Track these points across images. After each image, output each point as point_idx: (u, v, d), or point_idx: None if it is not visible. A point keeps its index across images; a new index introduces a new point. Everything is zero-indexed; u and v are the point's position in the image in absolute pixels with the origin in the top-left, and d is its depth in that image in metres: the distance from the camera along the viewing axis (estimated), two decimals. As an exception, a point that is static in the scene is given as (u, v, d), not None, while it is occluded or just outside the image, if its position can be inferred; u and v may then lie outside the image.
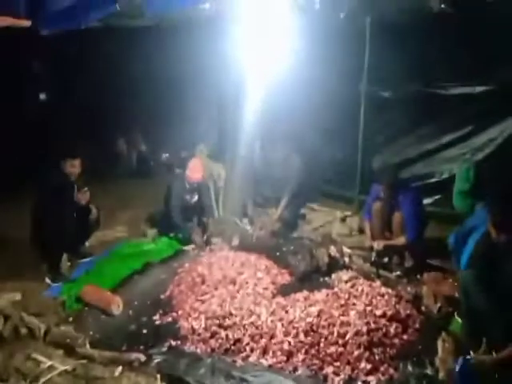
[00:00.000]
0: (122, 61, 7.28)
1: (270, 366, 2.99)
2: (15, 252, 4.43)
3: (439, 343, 3.09)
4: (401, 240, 4.22)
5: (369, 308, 3.43)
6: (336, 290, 3.79)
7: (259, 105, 5.46)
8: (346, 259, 4.39)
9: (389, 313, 3.39)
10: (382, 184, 4.31)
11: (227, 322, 3.37)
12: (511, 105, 4.82)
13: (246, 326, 3.30)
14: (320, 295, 3.68)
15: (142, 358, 3.02)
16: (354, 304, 3.51)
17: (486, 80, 4.89)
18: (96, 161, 6.33)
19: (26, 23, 4.14)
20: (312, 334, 3.17)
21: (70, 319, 3.56)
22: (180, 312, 3.63)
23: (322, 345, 3.08)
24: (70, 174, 4.21)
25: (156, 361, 3.04)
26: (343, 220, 5.52)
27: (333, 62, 5.48)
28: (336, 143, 5.97)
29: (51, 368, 2.89)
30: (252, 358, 3.06)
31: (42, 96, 8.02)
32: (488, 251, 3.02)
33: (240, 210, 5.70)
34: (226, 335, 3.24)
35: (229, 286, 3.89)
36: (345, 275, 4.06)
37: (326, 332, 3.17)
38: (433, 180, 5.44)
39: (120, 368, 2.90)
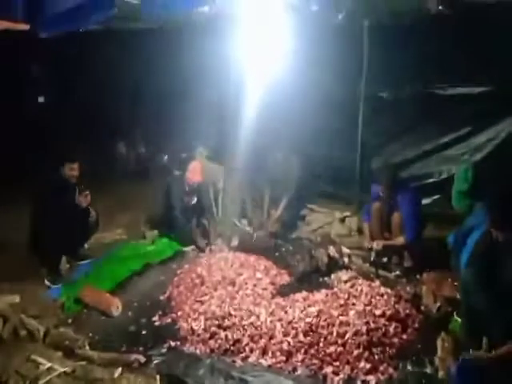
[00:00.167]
0: (122, 63, 7.29)
1: (269, 366, 2.99)
2: (14, 254, 4.42)
3: (438, 342, 3.10)
4: (400, 240, 4.24)
5: (368, 308, 3.44)
6: (335, 290, 3.80)
7: (258, 106, 5.47)
8: (346, 259, 4.39)
9: (388, 312, 3.40)
10: (380, 184, 4.32)
11: (226, 322, 3.37)
12: (509, 105, 4.83)
13: (246, 327, 3.30)
14: (319, 295, 3.68)
15: (142, 359, 3.02)
16: (353, 304, 3.52)
17: (484, 81, 4.90)
18: (95, 163, 6.34)
19: (24, 27, 4.15)
20: (311, 334, 3.17)
21: (70, 321, 3.56)
22: (179, 313, 3.64)
23: (321, 345, 3.09)
24: (69, 177, 4.25)
25: (155, 362, 3.04)
26: (342, 220, 5.53)
27: (332, 63, 5.48)
28: (335, 144, 5.97)
29: (50, 370, 2.89)
30: (251, 359, 3.07)
31: (41, 99, 8.04)
32: (488, 250, 3.02)
33: (239, 211, 5.71)
34: (226, 336, 3.24)
35: (228, 287, 3.89)
36: (344, 275, 4.07)
37: (325, 332, 3.17)
38: (431, 180, 5.44)
39: (119, 369, 2.89)
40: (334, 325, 3.22)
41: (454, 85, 5.12)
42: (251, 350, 3.12)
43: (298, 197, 5.55)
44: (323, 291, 3.77)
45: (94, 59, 7.30)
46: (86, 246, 4.73)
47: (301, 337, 3.14)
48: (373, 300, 3.58)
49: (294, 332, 3.18)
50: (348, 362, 2.96)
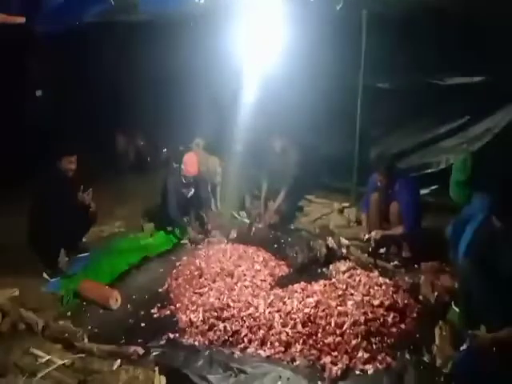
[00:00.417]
0: (119, 57, 7.25)
1: (268, 357, 3.00)
2: (13, 248, 4.41)
3: (436, 331, 3.10)
4: (398, 230, 4.23)
5: (366, 298, 3.44)
6: (334, 280, 3.80)
7: (256, 97, 5.45)
8: (344, 250, 4.39)
9: (386, 302, 3.40)
10: (378, 174, 4.30)
11: (225, 314, 3.38)
12: (508, 94, 4.80)
13: (244, 318, 3.31)
14: (318, 286, 3.69)
15: (141, 351, 3.02)
16: (351, 294, 3.52)
17: (482, 70, 4.87)
18: (94, 156, 6.31)
19: (20, 19, 4.13)
20: (310, 324, 3.18)
21: (69, 314, 3.58)
22: (178, 305, 3.65)
23: (319, 335, 3.09)
24: (67, 170, 4.24)
25: (154, 354, 3.05)
26: (341, 211, 5.53)
27: (330, 54, 5.44)
28: (333, 135, 5.94)
29: (49, 362, 2.90)
30: (250, 350, 3.08)
31: (39, 92, 7.98)
32: (487, 238, 3.02)
33: (238, 203, 5.70)
34: (224, 327, 3.25)
35: (227, 279, 3.90)
36: (342, 266, 4.07)
37: (323, 322, 3.18)
38: (430, 170, 5.42)
39: (118, 361, 2.90)
40: (332, 315, 3.22)
41: (452, 74, 5.09)
42: (250, 341, 3.14)
43: (296, 188, 5.54)
44: (321, 282, 3.78)
45: (90, 52, 7.25)
46: (84, 238, 4.72)
47: (299, 327, 3.15)
48: (371, 290, 3.58)
49: (292, 323, 3.19)
50: (346, 352, 2.97)
